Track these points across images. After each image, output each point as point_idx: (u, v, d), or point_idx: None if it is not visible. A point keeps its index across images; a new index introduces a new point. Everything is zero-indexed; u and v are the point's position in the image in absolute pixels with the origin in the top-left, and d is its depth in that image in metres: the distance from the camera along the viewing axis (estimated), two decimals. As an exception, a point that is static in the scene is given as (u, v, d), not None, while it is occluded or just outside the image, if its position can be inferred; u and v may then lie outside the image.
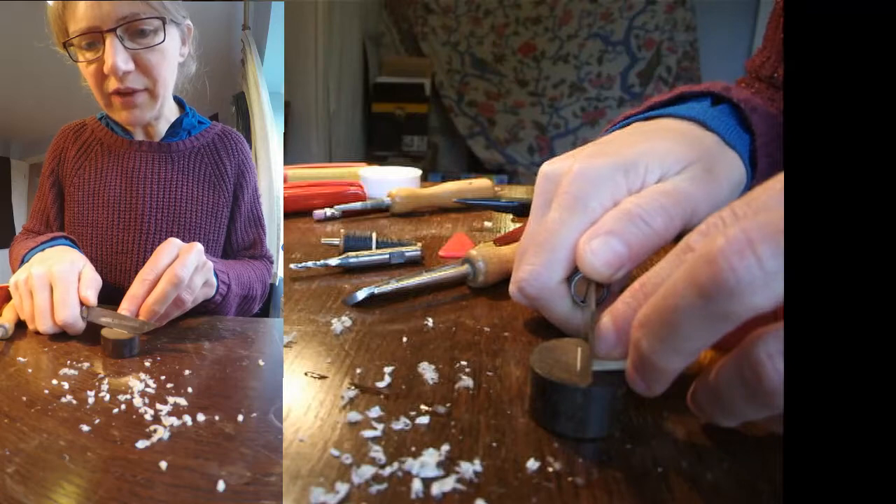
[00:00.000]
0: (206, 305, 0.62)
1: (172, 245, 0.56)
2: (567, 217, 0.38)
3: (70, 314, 0.50)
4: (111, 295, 0.56)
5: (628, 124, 0.48)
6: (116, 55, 0.61)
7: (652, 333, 0.27)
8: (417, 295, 0.51)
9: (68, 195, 0.71)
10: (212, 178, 0.74)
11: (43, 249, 0.60)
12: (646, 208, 0.36)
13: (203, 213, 0.73)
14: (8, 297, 0.56)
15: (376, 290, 0.48)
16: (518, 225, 0.73)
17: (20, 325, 0.53)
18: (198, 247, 0.57)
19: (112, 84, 0.64)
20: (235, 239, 0.78)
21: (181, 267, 0.54)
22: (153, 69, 0.65)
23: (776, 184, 0.27)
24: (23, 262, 0.59)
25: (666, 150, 0.40)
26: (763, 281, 0.22)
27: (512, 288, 0.41)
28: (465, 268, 0.51)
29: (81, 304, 0.51)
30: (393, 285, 0.49)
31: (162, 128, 0.73)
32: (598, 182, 0.38)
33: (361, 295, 0.48)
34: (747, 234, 0.23)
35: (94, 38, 0.62)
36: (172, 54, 0.67)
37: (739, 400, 0.27)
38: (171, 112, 0.73)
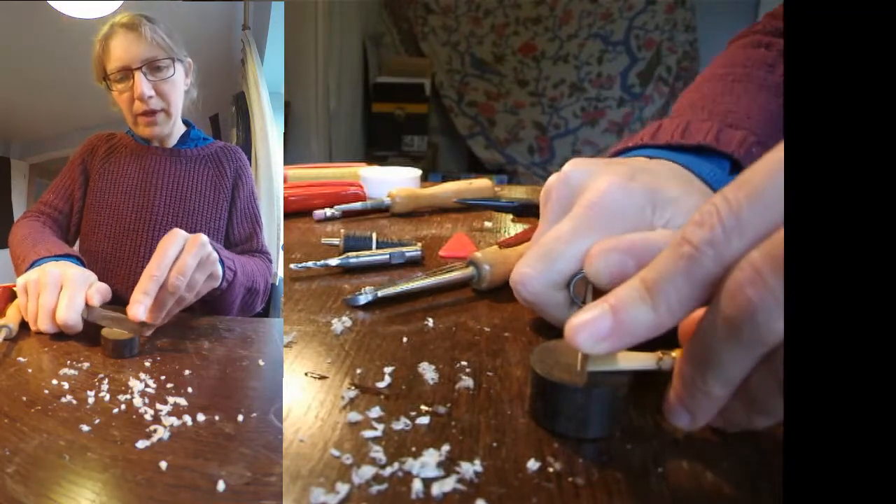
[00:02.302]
0: (212, 293, 0.62)
1: (178, 237, 0.54)
2: (584, 230, 0.38)
3: (73, 316, 0.51)
4: (116, 284, 0.58)
5: (651, 155, 0.47)
6: (143, 85, 0.84)
7: (699, 367, 0.27)
8: (418, 296, 0.50)
9: (93, 181, 0.89)
10: (213, 177, 0.89)
11: (57, 261, 0.60)
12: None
13: (205, 202, 0.87)
14: (12, 298, 0.56)
15: (380, 293, 0.48)
16: (521, 227, 0.73)
17: (22, 326, 0.53)
18: (201, 239, 0.55)
19: (139, 107, 0.85)
20: (232, 232, 0.88)
21: (178, 276, 0.52)
22: (167, 95, 0.87)
23: (767, 164, 0.26)
24: (31, 267, 0.59)
25: (694, 205, 0.40)
26: (777, 308, 0.23)
27: (511, 283, 0.41)
28: (469, 270, 0.50)
29: (85, 304, 0.51)
30: (397, 288, 0.48)
31: (173, 141, 0.91)
32: (627, 205, 0.38)
33: (364, 299, 0.48)
34: (755, 265, 0.24)
35: (126, 73, 0.85)
36: (180, 84, 0.90)
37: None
38: (178, 131, 0.92)
